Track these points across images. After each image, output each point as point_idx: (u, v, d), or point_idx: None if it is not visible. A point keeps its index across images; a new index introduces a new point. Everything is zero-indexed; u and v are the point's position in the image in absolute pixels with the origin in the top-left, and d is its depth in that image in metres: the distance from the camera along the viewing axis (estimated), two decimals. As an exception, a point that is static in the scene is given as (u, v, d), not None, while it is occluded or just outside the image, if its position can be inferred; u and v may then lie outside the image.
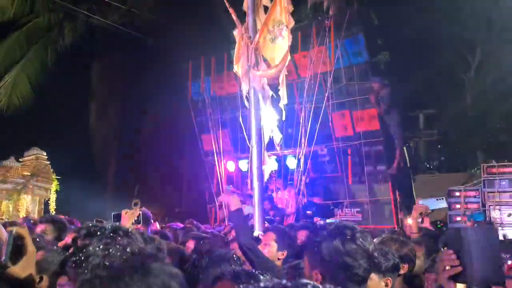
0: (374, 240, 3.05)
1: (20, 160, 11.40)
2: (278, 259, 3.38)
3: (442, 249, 1.77)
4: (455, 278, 1.61)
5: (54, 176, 11.75)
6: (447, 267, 1.63)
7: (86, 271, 1.31)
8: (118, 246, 1.40)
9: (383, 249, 2.48)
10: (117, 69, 16.60)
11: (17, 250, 1.69)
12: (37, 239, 2.67)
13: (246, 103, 6.99)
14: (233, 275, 1.81)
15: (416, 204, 4.21)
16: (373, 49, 11.75)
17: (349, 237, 1.75)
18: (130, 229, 1.56)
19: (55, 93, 15.77)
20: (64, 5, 15.38)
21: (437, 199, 4.36)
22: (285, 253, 3.42)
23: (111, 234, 1.43)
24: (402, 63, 12.62)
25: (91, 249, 1.39)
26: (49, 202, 11.62)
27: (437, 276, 1.69)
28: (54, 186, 11.69)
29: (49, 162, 11.81)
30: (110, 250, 1.37)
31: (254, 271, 1.87)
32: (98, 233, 1.43)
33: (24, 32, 15.91)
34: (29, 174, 11.07)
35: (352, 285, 1.71)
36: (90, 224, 1.58)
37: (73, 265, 1.36)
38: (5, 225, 2.53)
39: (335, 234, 1.77)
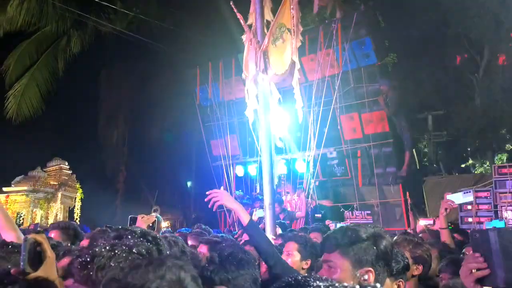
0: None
1: (44, 170, 11.67)
2: (303, 268, 3.29)
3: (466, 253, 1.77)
4: (482, 282, 1.59)
5: (78, 186, 12.16)
6: (474, 270, 1.60)
7: (91, 273, 1.31)
8: (124, 247, 1.40)
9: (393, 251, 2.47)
10: (126, 76, 16.72)
11: (36, 256, 1.69)
12: (55, 244, 2.70)
13: (248, 110, 7.02)
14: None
15: (444, 199, 4.19)
16: (381, 51, 11.73)
17: (388, 235, 1.83)
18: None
19: (64, 101, 15.95)
20: (72, 13, 15.51)
21: (464, 193, 4.31)
22: (309, 262, 3.32)
23: (141, 238, 1.44)
24: (409, 64, 12.57)
25: (97, 250, 1.37)
26: (74, 210, 12.05)
27: (463, 279, 1.65)
28: (79, 195, 12.15)
29: (71, 172, 12.14)
30: (116, 251, 1.37)
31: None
32: (129, 236, 1.44)
33: (33, 41, 16.06)
34: (57, 183, 11.57)
35: (399, 276, 1.75)
36: (120, 227, 1.59)
37: (79, 266, 1.36)
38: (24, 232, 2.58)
39: (382, 231, 1.83)
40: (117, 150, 17.10)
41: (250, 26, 7.13)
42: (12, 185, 11.73)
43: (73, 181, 12.39)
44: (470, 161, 15.33)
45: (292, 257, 3.33)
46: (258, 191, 12.26)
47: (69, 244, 3.91)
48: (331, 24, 11.29)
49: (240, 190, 12.96)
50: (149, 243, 1.46)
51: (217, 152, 13.48)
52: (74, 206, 12.30)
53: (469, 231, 6.02)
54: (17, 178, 11.86)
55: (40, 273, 1.66)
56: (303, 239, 3.51)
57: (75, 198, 12.34)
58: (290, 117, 8.93)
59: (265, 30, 6.91)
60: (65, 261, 1.86)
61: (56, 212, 11.63)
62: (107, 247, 1.38)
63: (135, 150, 17.34)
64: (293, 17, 6.72)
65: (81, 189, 12.54)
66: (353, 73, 11.52)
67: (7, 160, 14.05)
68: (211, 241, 4.66)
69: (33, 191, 11.33)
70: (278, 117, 6.93)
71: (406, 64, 12.41)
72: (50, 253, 1.72)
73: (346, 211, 11.43)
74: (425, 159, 13.44)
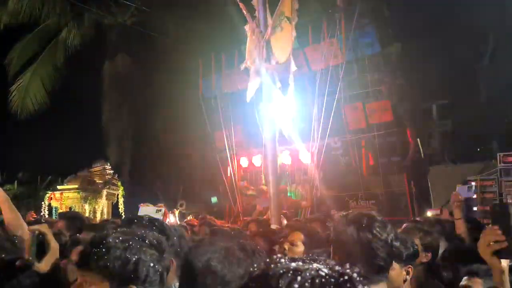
0: (398, 230, 3.04)
1: (90, 170, 13.26)
2: None
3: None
4: (499, 254, 1.63)
5: (119, 184, 13.63)
6: (491, 243, 1.64)
7: (108, 263, 1.35)
8: (137, 238, 1.43)
9: (402, 237, 2.46)
10: (128, 68, 16.70)
11: (40, 247, 1.74)
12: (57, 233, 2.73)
13: (249, 98, 7.05)
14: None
15: (454, 192, 4.26)
16: (385, 40, 11.65)
17: (364, 225, 1.75)
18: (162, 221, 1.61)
19: (67, 94, 15.98)
20: (73, 5, 15.48)
21: (468, 187, 4.38)
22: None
23: (147, 224, 1.48)
24: (414, 53, 12.48)
25: (111, 241, 1.41)
26: (118, 205, 13.48)
27: (481, 251, 1.69)
28: (121, 192, 13.54)
29: (113, 171, 13.67)
30: (130, 243, 1.41)
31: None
32: (135, 220, 1.47)
33: (35, 34, 16.03)
34: (102, 182, 13.02)
35: (370, 273, 1.72)
36: (131, 215, 1.63)
37: (95, 257, 1.39)
38: (28, 223, 2.61)
39: (351, 222, 1.79)
40: (121, 143, 17.13)
41: (253, 17, 7.11)
42: (65, 184, 13.07)
43: (115, 179, 13.72)
44: (475, 150, 15.24)
45: (296, 247, 3.27)
46: (264, 182, 12.27)
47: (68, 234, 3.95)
48: (335, 13, 11.22)
49: (244, 181, 12.99)
50: (158, 232, 1.49)
51: (221, 143, 13.48)
52: (118, 201, 13.59)
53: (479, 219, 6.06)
54: (69, 177, 13.15)
55: (44, 262, 1.70)
56: (311, 230, 3.46)
57: (118, 194, 13.59)
58: (295, 106, 8.89)
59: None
60: (80, 249, 1.89)
61: (102, 207, 12.91)
62: (121, 238, 1.42)
63: (139, 142, 17.36)
64: (293, 7, 6.73)
65: (122, 187, 13.79)
66: (357, 63, 11.49)
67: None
68: (212, 224, 4.70)
69: (82, 189, 12.67)
70: (281, 107, 6.92)
71: (411, 53, 12.32)
72: (54, 244, 1.76)
73: (351, 201, 11.44)
74: (430, 148, 13.38)
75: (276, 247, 3.59)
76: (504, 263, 1.65)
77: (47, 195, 12.88)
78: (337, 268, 0.81)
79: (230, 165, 12.97)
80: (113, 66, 17.08)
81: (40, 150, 15.81)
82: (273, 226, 5.69)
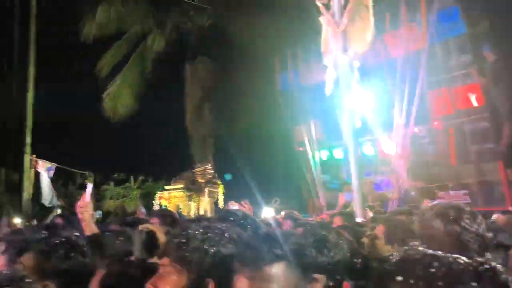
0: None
1: (193, 171, 14.88)
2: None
3: None
4: None
5: (219, 182, 14.94)
6: None
7: (187, 254, 1.40)
8: (216, 231, 1.47)
9: (494, 228, 2.31)
10: (208, 69, 17.22)
11: (151, 244, 1.85)
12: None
13: (329, 90, 6.95)
14: None
15: None
16: (471, 19, 10.89)
17: (452, 218, 1.68)
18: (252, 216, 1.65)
19: (152, 98, 16.87)
20: (154, 13, 16.26)
21: None
22: (395, 246, 3.13)
23: (241, 221, 1.52)
24: (504, 32, 11.52)
25: (190, 232, 1.45)
26: (217, 202, 14.74)
27: None
28: (221, 190, 14.81)
29: (213, 171, 15.11)
30: (209, 234, 1.44)
31: None
32: (231, 218, 1.52)
33: (124, 42, 17.02)
34: (204, 181, 14.45)
35: None
36: (224, 212, 1.70)
37: (177, 247, 1.44)
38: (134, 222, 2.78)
39: (438, 215, 1.73)
40: (204, 141, 17.67)
41: (327, 7, 7.01)
42: (172, 184, 14.61)
43: (216, 179, 15.11)
44: None
45: (378, 240, 3.20)
46: (345, 175, 12.08)
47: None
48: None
49: (326, 175, 12.88)
50: (240, 228, 1.52)
51: (301, 137, 13.47)
52: (218, 199, 14.81)
53: None
54: (174, 179, 14.71)
55: (157, 257, 1.82)
56: (393, 222, 3.36)
57: (218, 192, 14.85)
58: (374, 96, 8.64)
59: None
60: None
61: (205, 204, 14.20)
62: (201, 230, 1.46)
63: (221, 140, 17.82)
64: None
65: (222, 185, 15.03)
66: (441, 45, 10.86)
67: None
68: (305, 223, 4.70)
69: (187, 188, 14.11)
70: (359, 97, 6.77)
71: (501, 31, 11.38)
72: (163, 240, 1.86)
73: (440, 192, 10.87)
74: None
75: (365, 240, 3.56)
76: None
77: (157, 195, 14.38)
78: (476, 257, 0.83)
79: (311, 158, 12.92)
80: (194, 69, 17.70)
81: (133, 152, 16.92)
82: (358, 219, 5.58)
